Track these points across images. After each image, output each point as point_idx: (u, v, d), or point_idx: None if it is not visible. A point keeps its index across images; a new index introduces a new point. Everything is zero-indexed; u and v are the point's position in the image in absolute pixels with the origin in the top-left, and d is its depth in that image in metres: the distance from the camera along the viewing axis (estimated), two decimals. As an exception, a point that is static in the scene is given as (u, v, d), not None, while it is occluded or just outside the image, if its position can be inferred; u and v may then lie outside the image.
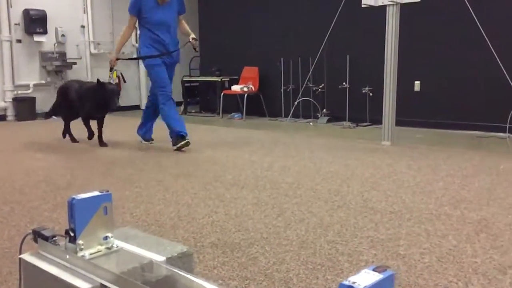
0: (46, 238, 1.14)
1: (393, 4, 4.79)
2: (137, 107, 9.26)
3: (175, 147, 4.65)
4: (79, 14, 8.64)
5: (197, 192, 3.17)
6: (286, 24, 7.64)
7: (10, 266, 2.02)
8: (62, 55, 8.33)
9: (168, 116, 4.70)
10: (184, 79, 9.10)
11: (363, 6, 4.96)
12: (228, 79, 8.30)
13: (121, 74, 9.13)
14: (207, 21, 9.21)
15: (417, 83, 6.33)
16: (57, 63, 8.17)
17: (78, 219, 1.08)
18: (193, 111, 8.85)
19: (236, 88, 7.86)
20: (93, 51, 8.83)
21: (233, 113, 8.06)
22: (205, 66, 9.06)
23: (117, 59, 4.90)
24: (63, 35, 8.28)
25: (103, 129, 5.10)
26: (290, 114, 7.11)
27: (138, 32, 5.11)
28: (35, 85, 8.13)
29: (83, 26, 8.69)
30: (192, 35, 4.92)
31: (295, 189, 3.20)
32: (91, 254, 1.10)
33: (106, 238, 1.13)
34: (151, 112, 5.06)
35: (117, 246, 1.11)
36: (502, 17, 5.43)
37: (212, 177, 3.60)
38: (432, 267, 1.95)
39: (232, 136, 5.86)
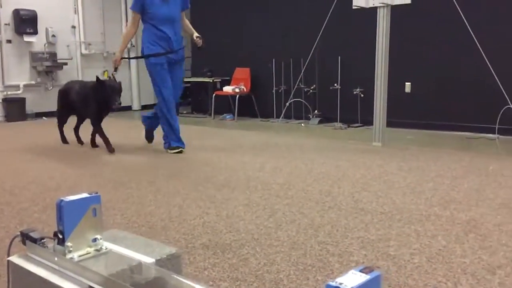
0: (34, 240, 1.14)
1: (383, 6, 4.81)
2: (128, 108, 9.23)
3: (170, 151, 4.62)
4: (70, 14, 8.60)
5: (189, 193, 3.17)
6: (278, 25, 7.65)
7: (-2, 268, 2.00)
8: (53, 55, 8.29)
9: (166, 123, 4.62)
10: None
11: (354, 7, 4.99)
12: (219, 80, 8.29)
13: (112, 74, 9.07)
14: (198, 22, 9.18)
15: (407, 84, 6.37)
16: (47, 64, 8.12)
17: (67, 221, 1.08)
18: (184, 112, 8.82)
19: (227, 89, 7.85)
20: (84, 51, 8.79)
21: (224, 114, 8.05)
22: (197, 67, 9.04)
23: (122, 58, 4.71)
24: (53, 36, 8.24)
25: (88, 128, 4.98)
26: (282, 115, 7.12)
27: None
28: (25, 86, 8.07)
29: (74, 27, 8.65)
30: (196, 33, 4.75)
31: (286, 190, 3.21)
32: (79, 256, 1.10)
33: (95, 240, 1.13)
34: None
35: (106, 248, 1.11)
36: (491, 19, 5.48)
37: (204, 178, 3.60)
38: (421, 267, 1.97)
39: (224, 137, 5.86)
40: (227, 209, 2.80)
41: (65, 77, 8.54)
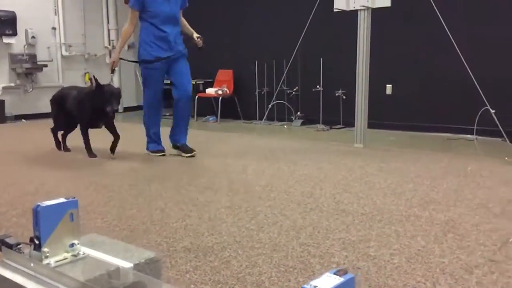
0: (10, 246, 1.12)
1: (364, 9, 4.86)
2: (110, 110, 9.14)
3: (152, 155, 4.59)
4: (50, 16, 8.49)
5: (171, 196, 3.15)
6: (260, 27, 7.67)
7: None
8: (33, 57, 8.17)
9: (147, 122, 4.60)
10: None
11: (335, 10, 5.03)
12: (202, 82, 8.28)
13: (94, 76, 8.99)
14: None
15: (389, 86, 6.45)
16: (27, 66, 8.00)
17: (43, 226, 1.06)
18: (167, 114, 8.77)
19: (210, 91, 7.84)
20: (64, 53, 8.68)
21: (207, 116, 8.04)
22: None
23: (120, 59, 4.51)
24: (33, 37, 8.12)
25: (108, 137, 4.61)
26: (265, 117, 7.14)
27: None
28: (4, 88, 7.94)
29: (54, 28, 8.53)
30: (195, 33, 4.60)
31: (268, 192, 3.22)
32: (56, 261, 1.09)
33: (72, 245, 1.12)
34: (175, 112, 4.66)
35: (83, 253, 1.10)
36: (469, 22, 5.58)
37: (186, 181, 3.58)
38: (401, 267, 1.99)
39: (207, 139, 5.85)
40: (209, 212, 2.79)
41: (45, 79, 8.44)
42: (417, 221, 2.57)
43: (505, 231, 2.39)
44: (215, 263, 2.07)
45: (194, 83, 8.22)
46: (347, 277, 0.64)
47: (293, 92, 7.32)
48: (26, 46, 8.07)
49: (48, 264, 1.07)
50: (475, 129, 4.74)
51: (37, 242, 1.09)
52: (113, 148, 4.55)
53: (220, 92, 7.72)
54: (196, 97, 7.97)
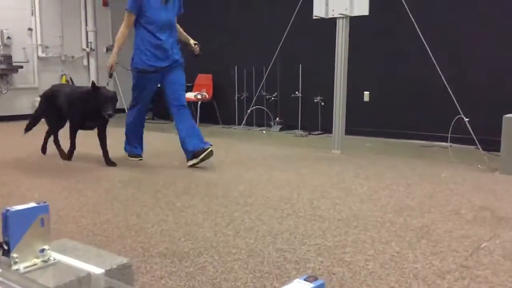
0: (-22, 252, 1.09)
1: (342, 17, 4.93)
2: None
3: (128, 156, 4.53)
4: (27, 16, 8.34)
5: (147, 201, 3.12)
6: (240, 33, 7.69)
7: None
8: (8, 58, 8.00)
9: (129, 126, 4.51)
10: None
11: (314, 18, 5.07)
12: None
13: (70, 78, 8.88)
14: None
15: (366, 93, 6.53)
16: (2, 67, 7.85)
17: (13, 231, 1.04)
18: (146, 118, 8.70)
19: (189, 95, 7.79)
20: (40, 54, 8.54)
21: (186, 121, 7.99)
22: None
23: (116, 63, 4.29)
24: (8, 38, 7.97)
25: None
26: (244, 122, 7.14)
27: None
28: (-23, 89, 7.77)
29: (30, 29, 8.39)
30: (192, 40, 4.46)
31: (246, 197, 3.22)
32: (26, 267, 1.06)
33: (42, 250, 1.09)
34: (176, 118, 4.38)
35: (54, 259, 1.08)
36: (444, 31, 5.70)
37: (163, 185, 3.56)
38: (375, 273, 2.01)
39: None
40: (186, 217, 2.78)
41: (20, 80, 8.28)
42: (392, 227, 2.60)
43: (476, 237, 2.44)
44: (190, 268, 2.05)
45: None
46: (317, 283, 0.65)
47: (272, 98, 7.36)
48: (1, 47, 7.92)
49: (17, 270, 1.05)
50: (449, 136, 4.83)
51: (6, 247, 1.07)
52: (107, 161, 4.31)
53: (199, 96, 7.70)
54: (175, 101, 7.93)
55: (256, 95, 6.93)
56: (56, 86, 4.82)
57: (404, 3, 4.79)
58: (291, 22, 5.57)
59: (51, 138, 4.70)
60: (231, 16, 7.83)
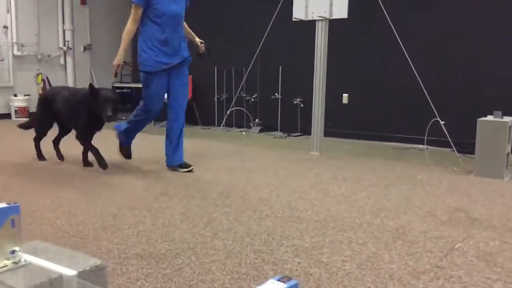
0: None
1: (322, 20, 4.96)
2: (64, 113, 8.87)
3: (119, 151, 4.32)
4: (2, 14, 8.17)
5: (124, 202, 3.09)
6: (220, 34, 7.67)
7: None
8: (-18, 56, 7.83)
9: (132, 127, 4.20)
10: (115, 85, 8.84)
11: (294, 20, 5.10)
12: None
13: (47, 77, 8.73)
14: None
15: (345, 95, 6.59)
16: (-25, 64, 7.67)
17: (-18, 232, 1.01)
18: (124, 118, 8.61)
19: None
20: (16, 53, 8.37)
21: (165, 121, 7.93)
22: (137, 72, 8.86)
23: (125, 63, 4.07)
24: (-17, 35, 7.79)
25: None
26: (223, 123, 7.13)
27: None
28: (-51, 87, 7.57)
29: (6, 27, 8.21)
30: (197, 38, 4.25)
31: (224, 199, 3.21)
32: (-4, 269, 1.04)
33: (13, 252, 1.07)
34: (171, 130, 4.28)
35: (25, 261, 1.05)
36: (421, 35, 5.80)
37: (140, 187, 3.52)
38: (352, 274, 2.03)
39: (163, 145, 5.75)
40: (164, 218, 2.75)
41: (-6, 79, 8.11)
42: (369, 228, 2.63)
43: (451, 238, 2.48)
44: (167, 270, 2.04)
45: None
46: (291, 283, 0.65)
47: (252, 99, 7.36)
48: (-25, 44, 7.74)
49: (-14, 272, 1.02)
50: (425, 139, 4.91)
51: (-25, 249, 1.04)
52: (85, 158, 4.21)
53: (178, 97, 7.64)
54: (154, 101, 7.87)
55: (236, 96, 6.93)
56: (54, 90, 4.55)
57: (383, 8, 4.86)
58: (271, 23, 5.59)
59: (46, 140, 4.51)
60: (211, 17, 7.81)
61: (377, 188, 3.58)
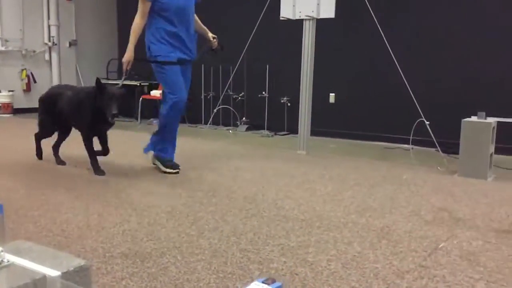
0: None
1: (309, 19, 4.97)
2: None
3: (164, 170, 3.91)
4: (-15, 8, 8.05)
5: (109, 200, 3.06)
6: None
7: None
8: (-36, 50, 7.70)
9: (167, 129, 3.93)
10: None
11: (281, 19, 5.10)
12: (147, 83, 8.14)
13: (31, 73, 8.62)
14: (126, 22, 8.93)
15: (332, 95, 6.61)
16: (-42, 59, 7.53)
17: (-36, 232, 1.00)
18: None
19: (155, 93, 7.71)
20: (0, 48, 8.24)
21: (152, 119, 7.89)
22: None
23: (136, 59, 3.80)
24: (-35, 29, 7.66)
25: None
26: (210, 121, 7.11)
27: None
28: None
29: (-11, 21, 8.10)
30: (210, 33, 4.16)
31: (210, 197, 3.20)
32: (-22, 270, 1.02)
33: (-4, 252, 1.05)
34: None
35: (7, 261, 1.04)
36: (407, 36, 5.85)
37: (126, 185, 3.49)
38: (337, 273, 2.04)
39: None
40: (149, 217, 2.74)
41: (-23, 74, 7.98)
42: (354, 228, 2.64)
43: (435, 238, 2.51)
44: (152, 269, 2.03)
45: (138, 84, 8.08)
46: (275, 285, 0.65)
47: (239, 98, 7.35)
48: (-43, 39, 7.60)
49: (-32, 272, 1.01)
50: (411, 139, 4.95)
51: (-44, 249, 1.02)
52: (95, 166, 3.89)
53: (165, 94, 7.60)
54: (140, 99, 7.82)
55: (223, 94, 6.92)
56: (55, 89, 4.31)
57: (369, 8, 4.88)
58: (258, 22, 5.59)
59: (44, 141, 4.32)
60: (198, 15, 7.76)
61: (362, 188, 3.60)
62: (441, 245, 2.40)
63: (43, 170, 3.95)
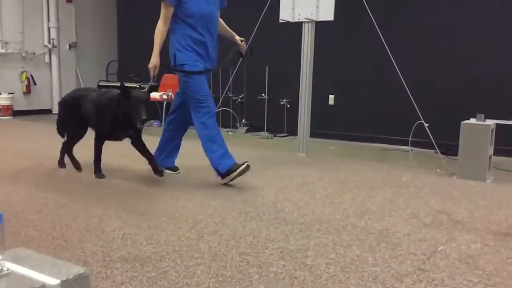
0: None
1: (308, 21, 4.98)
2: (48, 111, 8.77)
3: (226, 180, 3.67)
4: (-15, 10, 8.06)
5: (109, 204, 3.07)
6: (207, 33, 7.66)
7: None
8: (-36, 53, 7.71)
9: (210, 141, 3.76)
10: (101, 84, 8.79)
11: (280, 21, 5.11)
12: (147, 85, 8.13)
13: (31, 75, 8.63)
14: (126, 24, 8.97)
15: (331, 97, 6.62)
16: (-42, 62, 7.55)
17: (-36, 240, 1.00)
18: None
19: (155, 95, 7.69)
20: (0, 50, 8.25)
21: (151, 121, 7.91)
22: (123, 71, 8.81)
23: (162, 66, 3.68)
24: (-35, 32, 7.67)
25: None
26: (210, 123, 7.10)
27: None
28: None
29: (-11, 23, 8.11)
30: (237, 36, 4.06)
31: (210, 200, 3.21)
32: (-22, 278, 1.03)
33: (-5, 260, 1.06)
34: (171, 134, 4.12)
35: (7, 269, 1.04)
36: (406, 38, 5.86)
37: (126, 188, 3.50)
38: (336, 276, 2.05)
39: (148, 145, 5.73)
40: (149, 220, 2.74)
41: (-23, 76, 7.99)
42: (353, 231, 2.65)
43: (433, 241, 2.51)
44: (152, 273, 2.03)
45: (138, 86, 8.07)
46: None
47: (239, 100, 7.36)
48: (-43, 41, 7.61)
49: (-32, 280, 1.01)
50: (410, 140, 4.96)
51: (-44, 257, 1.03)
52: (155, 168, 3.78)
53: (164, 96, 7.61)
54: (140, 101, 7.83)
55: (223, 96, 6.92)
56: (79, 91, 4.16)
57: (368, 10, 4.89)
58: (258, 24, 5.60)
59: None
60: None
61: (362, 190, 3.61)
62: (439, 248, 2.40)
63: (43, 173, 3.96)
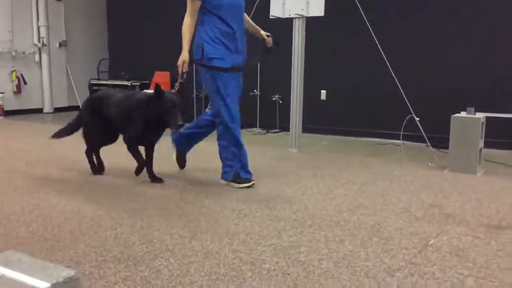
0: None
1: (299, 17, 4.98)
2: (39, 111, 8.71)
3: (237, 186, 3.55)
4: (-27, 10, 7.98)
5: (102, 204, 3.06)
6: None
7: None
8: (-47, 53, 7.63)
9: (232, 146, 3.68)
10: (92, 82, 8.74)
11: (271, 17, 5.11)
12: (138, 83, 8.11)
13: (21, 75, 8.56)
14: (116, 22, 8.92)
15: (323, 92, 6.64)
16: None
17: (-47, 245, 1.00)
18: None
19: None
20: (-11, 50, 8.20)
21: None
22: (115, 69, 8.76)
23: (192, 61, 3.52)
24: (-47, 31, 7.59)
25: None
26: (202, 120, 7.09)
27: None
28: None
29: (-23, 23, 8.03)
30: (262, 31, 3.85)
31: (203, 199, 3.21)
32: (-32, 282, 1.03)
33: (-15, 264, 1.06)
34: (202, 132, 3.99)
35: (-2, 273, 1.04)
36: (397, 33, 5.87)
37: (119, 188, 3.50)
38: (329, 272, 2.06)
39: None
40: (142, 220, 2.74)
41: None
42: (346, 226, 2.67)
43: (425, 235, 2.54)
44: (145, 272, 2.04)
45: (129, 84, 8.05)
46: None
47: (231, 96, 7.35)
48: None
49: (-42, 285, 1.01)
50: (401, 134, 4.98)
51: None
52: (152, 176, 3.66)
53: (156, 94, 7.60)
54: (132, 99, 7.80)
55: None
56: (104, 93, 3.92)
57: (359, 6, 4.90)
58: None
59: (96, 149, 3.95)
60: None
61: (354, 185, 3.63)
62: (431, 242, 2.43)
63: (35, 174, 3.94)
